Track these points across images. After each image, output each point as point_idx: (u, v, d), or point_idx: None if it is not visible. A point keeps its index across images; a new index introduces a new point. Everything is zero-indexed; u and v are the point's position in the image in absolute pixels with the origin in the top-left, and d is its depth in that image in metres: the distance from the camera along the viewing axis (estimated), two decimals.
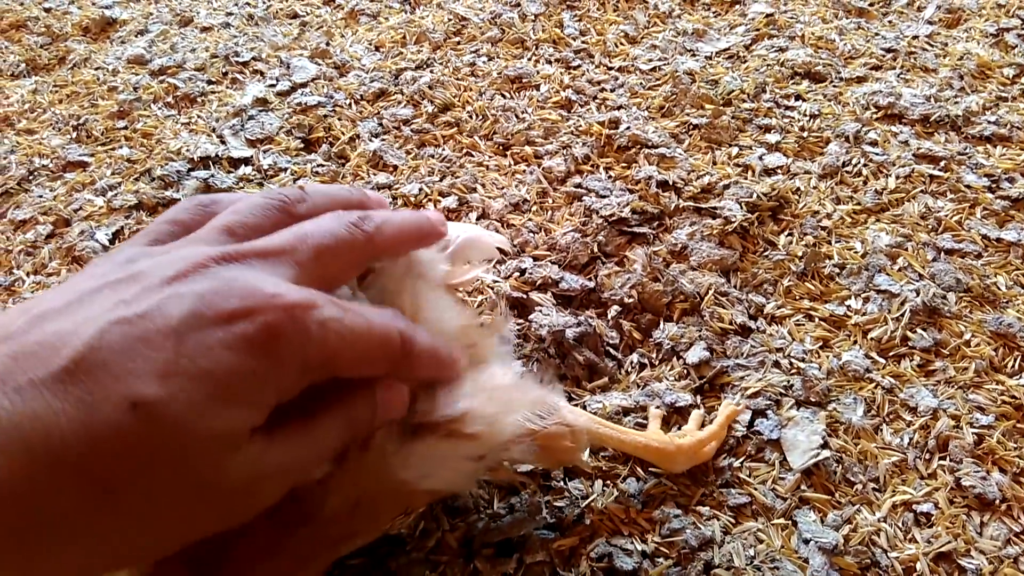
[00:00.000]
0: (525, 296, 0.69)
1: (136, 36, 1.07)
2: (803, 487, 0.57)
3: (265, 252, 0.35)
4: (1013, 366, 0.63)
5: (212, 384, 0.29)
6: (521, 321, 0.68)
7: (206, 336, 0.30)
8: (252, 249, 0.35)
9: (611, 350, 0.67)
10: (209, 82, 0.97)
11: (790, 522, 0.55)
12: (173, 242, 0.37)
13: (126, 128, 0.92)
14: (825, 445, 0.59)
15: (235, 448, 0.31)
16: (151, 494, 0.29)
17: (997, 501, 0.55)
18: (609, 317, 0.69)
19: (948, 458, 0.58)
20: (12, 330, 0.29)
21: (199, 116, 0.92)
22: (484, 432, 0.48)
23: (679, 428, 0.61)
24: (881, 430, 0.60)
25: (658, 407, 0.61)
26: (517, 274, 0.71)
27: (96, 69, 1.01)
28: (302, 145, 0.88)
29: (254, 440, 0.32)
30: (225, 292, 0.31)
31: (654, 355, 0.67)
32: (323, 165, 0.85)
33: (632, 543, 0.54)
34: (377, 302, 0.49)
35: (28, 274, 0.75)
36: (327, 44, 1.02)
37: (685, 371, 0.65)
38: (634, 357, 0.67)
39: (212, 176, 0.83)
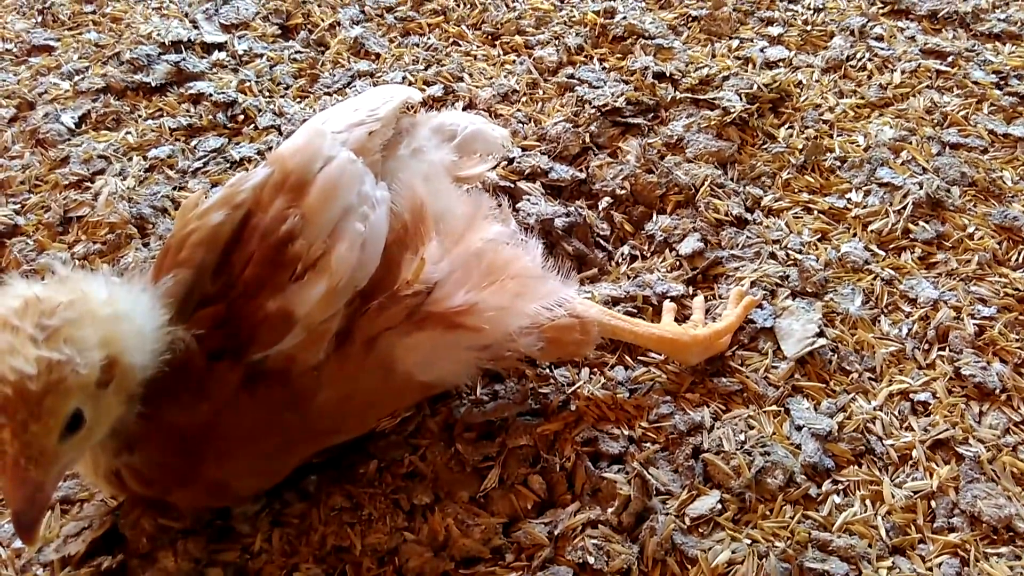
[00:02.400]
0: (513, 185, 0.66)
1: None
2: (796, 376, 0.55)
3: None
4: (1017, 259, 0.61)
5: None
6: (509, 211, 0.65)
7: None
8: None
9: (601, 241, 0.65)
10: None
11: (782, 409, 0.53)
12: None
13: (94, 12, 0.86)
14: (821, 334, 0.56)
15: None
16: None
17: (997, 391, 0.54)
18: (600, 208, 0.66)
19: (948, 348, 0.56)
20: None
21: (171, 0, 0.87)
22: (491, 323, 0.46)
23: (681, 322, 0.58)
24: (879, 321, 0.58)
25: (669, 300, 0.59)
26: (505, 163, 0.68)
27: None
28: (279, 31, 0.83)
29: None
30: None
31: (646, 247, 0.64)
32: (301, 52, 0.80)
33: (619, 428, 0.52)
34: (394, 193, 0.49)
35: None
36: None
37: (678, 262, 0.62)
38: (625, 249, 0.64)
39: (184, 60, 0.78)
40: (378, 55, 0.80)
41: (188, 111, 0.74)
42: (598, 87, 0.74)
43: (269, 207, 0.45)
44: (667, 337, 0.54)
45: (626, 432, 0.52)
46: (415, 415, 0.53)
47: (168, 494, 0.44)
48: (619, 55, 0.78)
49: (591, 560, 0.46)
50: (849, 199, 0.65)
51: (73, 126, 0.73)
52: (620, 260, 0.63)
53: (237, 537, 0.48)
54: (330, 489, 0.49)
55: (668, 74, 0.75)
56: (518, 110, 0.73)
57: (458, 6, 0.84)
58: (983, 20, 0.81)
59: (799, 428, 0.52)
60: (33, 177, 0.69)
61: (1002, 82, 0.75)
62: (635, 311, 0.59)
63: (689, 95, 0.73)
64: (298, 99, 0.76)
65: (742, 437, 0.51)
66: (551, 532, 0.47)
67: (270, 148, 0.70)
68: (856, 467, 0.51)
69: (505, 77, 0.77)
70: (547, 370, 0.56)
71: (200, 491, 0.44)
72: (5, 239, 0.65)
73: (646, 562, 0.46)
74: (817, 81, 0.75)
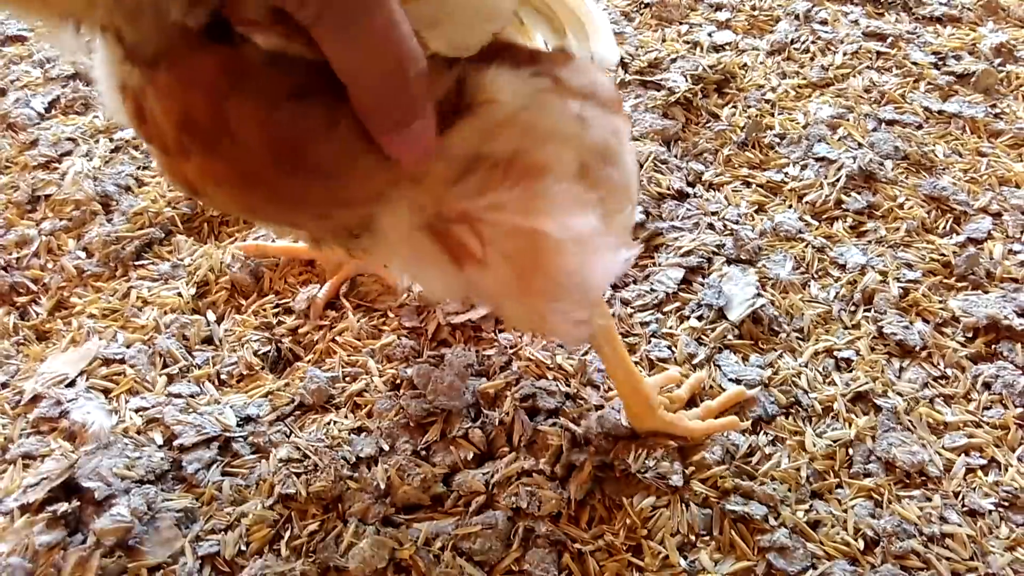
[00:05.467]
0: None
1: None
2: (728, 337, 0.58)
3: None
4: (945, 227, 0.64)
5: None
6: None
7: None
8: None
9: None
10: None
11: (714, 367, 0.56)
12: None
13: None
14: (759, 295, 0.59)
15: None
16: None
17: (917, 348, 0.56)
18: None
19: (873, 310, 0.59)
20: None
21: None
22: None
23: (613, 290, 0.61)
24: (809, 285, 0.61)
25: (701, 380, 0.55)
26: None
27: None
28: None
29: None
30: None
31: None
32: None
33: (556, 385, 0.55)
34: None
35: None
36: None
37: None
38: None
39: None
40: None
41: None
42: None
43: None
44: (639, 391, 0.51)
45: (563, 389, 0.55)
46: (362, 374, 0.56)
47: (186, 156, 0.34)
48: None
49: (524, 505, 0.48)
50: (786, 173, 0.68)
51: (43, 111, 0.76)
52: None
53: (189, 487, 0.50)
54: (278, 443, 0.52)
55: (619, 58, 0.78)
56: None
57: None
58: (925, 4, 0.84)
59: (734, 381, 0.55)
60: (4, 159, 0.72)
61: (940, 62, 0.78)
62: None
63: (638, 77, 0.76)
64: None
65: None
66: (488, 480, 0.50)
67: None
68: (783, 419, 0.53)
69: None
70: (492, 334, 0.59)
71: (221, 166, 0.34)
72: None
73: (574, 507, 0.49)
74: (761, 63, 0.78)
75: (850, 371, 0.56)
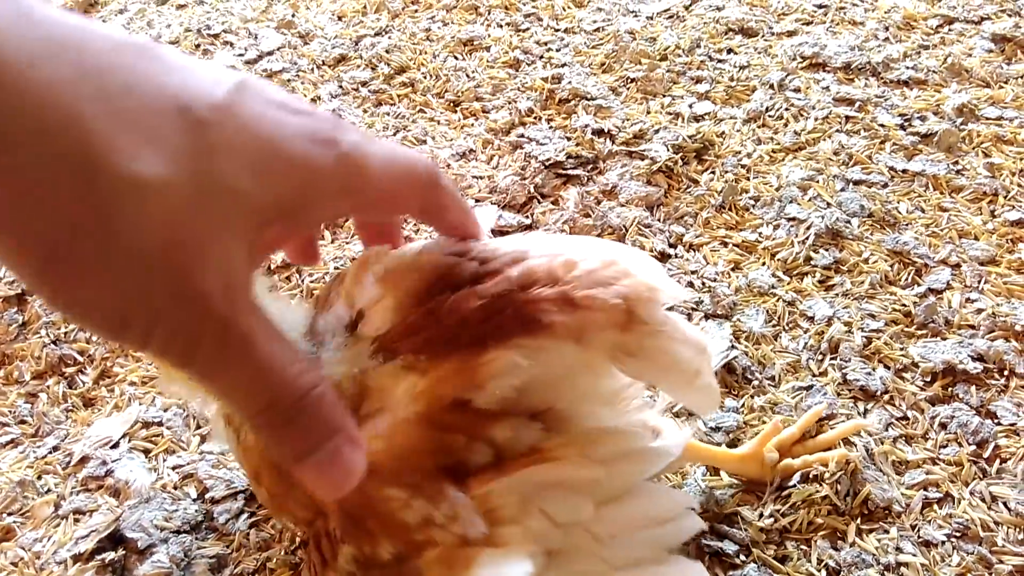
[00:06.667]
0: None
1: (116, 14, 1.14)
2: None
3: None
4: (907, 279, 0.69)
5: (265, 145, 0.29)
6: None
7: (279, 115, 0.30)
8: None
9: None
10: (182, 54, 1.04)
11: (690, 414, 0.61)
12: None
13: None
14: (733, 347, 0.65)
15: (236, 244, 0.29)
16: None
17: (879, 392, 0.62)
18: None
19: (838, 358, 0.64)
20: None
21: None
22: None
23: None
24: (780, 336, 0.66)
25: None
26: None
27: None
28: None
29: (253, 255, 0.30)
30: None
31: None
32: None
33: None
34: None
35: None
36: (293, 16, 1.08)
37: None
38: None
39: None
40: (353, 124, 0.90)
41: None
42: (544, 144, 0.84)
43: None
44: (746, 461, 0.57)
45: None
46: None
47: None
48: (564, 115, 0.88)
49: None
50: (760, 233, 0.74)
51: None
52: None
53: (220, 535, 0.56)
54: None
55: (606, 130, 0.85)
56: (474, 167, 0.83)
57: (424, 78, 0.95)
58: (893, 68, 0.90)
59: (713, 428, 0.60)
60: None
61: (906, 123, 0.84)
62: None
63: (624, 148, 0.83)
64: None
65: None
66: None
67: None
68: None
69: (464, 139, 0.87)
70: None
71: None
72: (28, 295, 0.75)
73: None
74: (738, 131, 0.84)
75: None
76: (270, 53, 1.01)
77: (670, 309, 0.40)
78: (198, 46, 1.05)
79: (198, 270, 0.27)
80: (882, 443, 0.59)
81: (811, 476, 0.56)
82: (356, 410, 0.38)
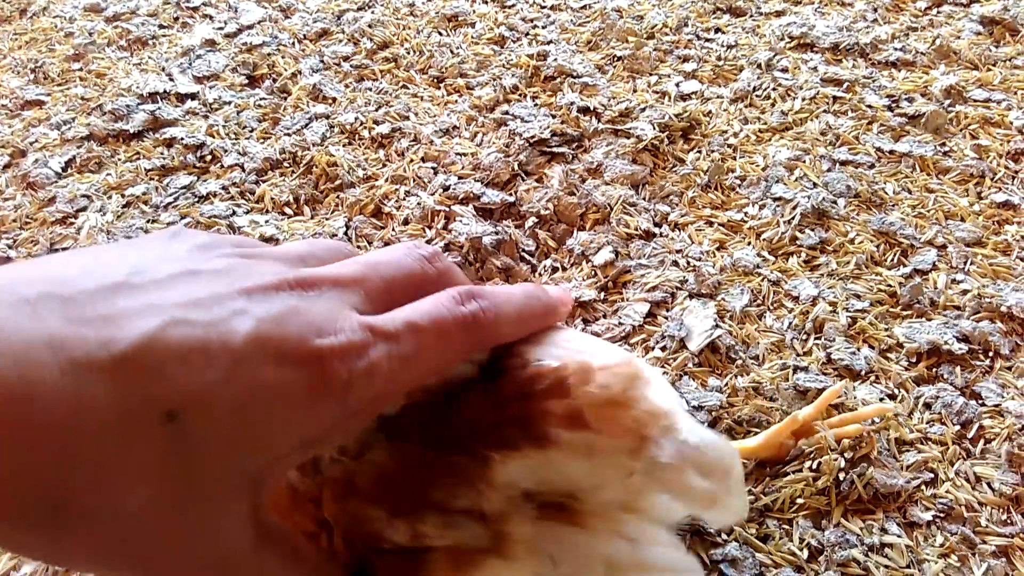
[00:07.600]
0: (448, 208, 0.75)
1: None
2: (689, 365, 0.62)
3: (338, 280, 0.32)
4: (892, 259, 0.69)
5: (249, 422, 0.28)
6: (442, 231, 0.73)
7: (260, 371, 0.28)
8: (327, 276, 0.32)
9: (527, 256, 0.73)
10: (160, 26, 1.02)
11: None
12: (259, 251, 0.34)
13: (81, 70, 0.96)
14: (717, 326, 0.64)
15: (250, 494, 0.29)
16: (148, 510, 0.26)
17: (863, 372, 0.61)
18: (526, 227, 0.74)
19: (823, 337, 0.64)
20: (77, 290, 0.27)
21: (150, 57, 0.97)
22: None
23: (584, 325, 0.66)
24: (764, 316, 0.65)
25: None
26: (441, 190, 0.76)
27: (54, 17, 1.06)
28: (246, 81, 0.92)
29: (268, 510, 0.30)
30: (286, 323, 0.29)
31: (566, 260, 0.72)
32: (265, 99, 0.89)
33: None
34: None
35: None
36: None
37: (592, 272, 0.70)
38: (548, 262, 0.72)
39: (159, 109, 0.87)
40: (334, 99, 0.89)
41: (162, 153, 0.83)
42: (529, 121, 0.83)
43: None
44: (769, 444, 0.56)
45: None
46: None
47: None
48: (549, 92, 0.87)
49: None
50: (746, 213, 0.73)
51: (60, 170, 0.82)
52: (542, 271, 0.71)
53: None
54: None
55: (592, 108, 0.84)
56: (457, 143, 0.82)
57: (408, 54, 0.94)
58: (881, 50, 0.90)
59: (695, 407, 0.59)
60: (24, 216, 0.78)
61: (893, 104, 0.83)
62: None
63: (610, 126, 0.82)
64: (261, 140, 0.85)
65: None
66: None
67: (234, 184, 0.79)
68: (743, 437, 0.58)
69: (447, 115, 0.85)
70: None
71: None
72: None
73: None
74: (725, 110, 0.83)
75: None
76: (250, 27, 0.99)
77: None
78: (176, 19, 1.03)
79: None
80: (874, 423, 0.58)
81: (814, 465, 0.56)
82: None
